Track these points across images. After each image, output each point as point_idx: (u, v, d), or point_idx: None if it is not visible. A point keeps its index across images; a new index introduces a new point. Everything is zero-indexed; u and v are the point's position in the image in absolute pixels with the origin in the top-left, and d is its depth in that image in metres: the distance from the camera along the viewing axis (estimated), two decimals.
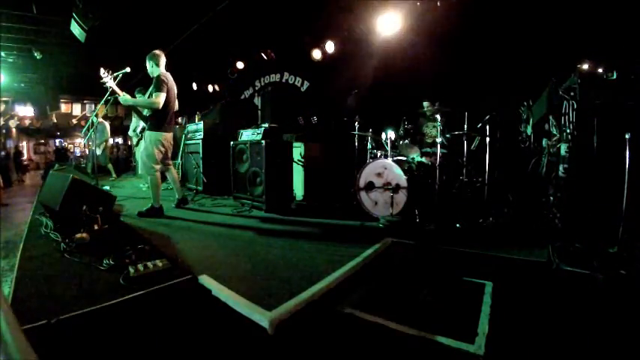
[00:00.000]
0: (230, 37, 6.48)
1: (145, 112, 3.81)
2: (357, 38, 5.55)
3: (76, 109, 15.36)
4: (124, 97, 3.64)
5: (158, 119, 3.66)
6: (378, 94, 5.24)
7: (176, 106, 3.96)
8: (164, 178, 4.09)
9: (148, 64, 3.74)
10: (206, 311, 1.68)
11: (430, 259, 2.51)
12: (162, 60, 3.75)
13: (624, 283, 1.90)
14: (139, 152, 5.60)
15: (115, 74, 3.89)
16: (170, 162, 4.00)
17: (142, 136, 5.51)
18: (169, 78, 3.71)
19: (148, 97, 3.68)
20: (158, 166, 3.73)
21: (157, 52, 3.76)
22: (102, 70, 3.64)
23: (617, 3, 3.45)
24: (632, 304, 1.74)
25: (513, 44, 4.10)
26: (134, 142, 5.79)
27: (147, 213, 3.66)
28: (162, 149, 3.74)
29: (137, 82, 5.64)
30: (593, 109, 2.72)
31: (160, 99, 3.52)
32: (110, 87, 3.66)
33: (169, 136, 3.81)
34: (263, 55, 6.77)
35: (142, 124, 5.47)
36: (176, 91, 3.86)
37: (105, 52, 6.66)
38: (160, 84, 3.55)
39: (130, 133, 5.79)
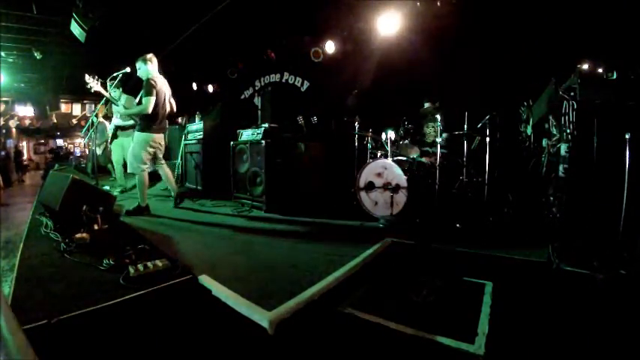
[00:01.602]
0: (230, 37, 6.48)
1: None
2: (357, 38, 5.55)
3: (76, 109, 15.36)
4: (118, 107, 3.71)
5: (147, 121, 3.71)
6: (378, 94, 5.24)
7: (171, 108, 3.97)
8: (159, 178, 4.13)
9: (139, 67, 3.77)
10: (206, 311, 1.68)
11: (430, 259, 2.51)
12: (154, 63, 3.80)
13: (624, 283, 1.90)
14: (118, 152, 5.51)
15: (116, 74, 3.90)
16: (162, 161, 4.01)
17: (115, 134, 5.43)
18: (159, 81, 3.74)
19: (139, 102, 3.74)
20: (145, 166, 3.76)
21: (148, 55, 3.79)
22: (87, 76, 3.70)
23: (617, 3, 3.45)
24: (632, 304, 1.74)
25: (513, 44, 4.10)
26: (109, 140, 5.72)
27: (134, 211, 3.71)
28: (151, 150, 3.78)
29: (137, 82, 5.63)
30: (593, 109, 2.72)
31: (149, 103, 3.58)
32: (98, 91, 3.73)
33: (159, 137, 3.84)
34: (263, 55, 6.77)
35: (113, 125, 5.39)
36: (168, 93, 3.89)
37: (105, 52, 6.65)
38: (149, 87, 3.61)
39: (108, 131, 5.71)
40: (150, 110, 3.59)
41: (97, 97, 4.10)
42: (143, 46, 6.40)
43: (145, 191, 3.80)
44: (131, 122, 5.23)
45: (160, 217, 3.67)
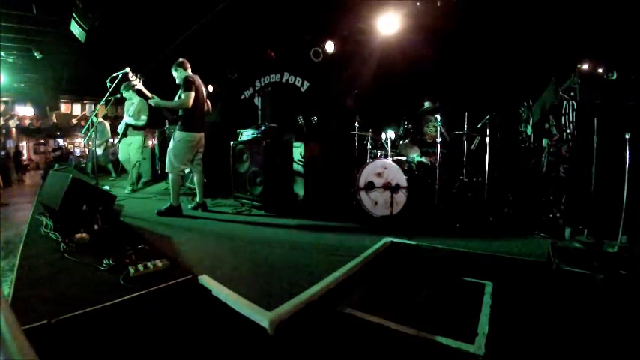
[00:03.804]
0: (230, 37, 6.48)
1: (179, 112, 3.79)
2: (357, 38, 5.54)
3: (76, 109, 15.35)
4: (154, 99, 3.67)
5: (187, 119, 3.67)
6: (378, 94, 5.24)
7: (207, 107, 3.95)
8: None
9: (176, 72, 3.75)
10: (206, 311, 1.68)
11: (430, 259, 2.51)
12: (187, 65, 3.78)
13: (624, 283, 1.90)
14: (125, 151, 5.54)
15: (115, 74, 3.90)
16: (200, 164, 3.95)
17: (125, 133, 5.46)
18: (196, 79, 3.72)
19: (178, 99, 3.68)
20: (183, 167, 3.73)
21: (181, 59, 3.79)
22: (130, 74, 3.66)
23: (617, 3, 3.45)
24: (632, 304, 1.74)
25: (513, 44, 4.10)
26: (117, 140, 5.77)
27: (166, 212, 3.67)
28: (193, 149, 3.75)
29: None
30: (593, 109, 2.72)
31: (189, 98, 3.54)
32: (139, 89, 3.70)
33: (200, 136, 3.81)
34: (263, 55, 6.77)
35: (124, 123, 5.43)
36: (205, 92, 3.86)
37: (105, 52, 6.65)
38: (187, 84, 3.58)
39: (119, 130, 5.76)
40: (190, 104, 3.55)
41: (97, 97, 4.09)
42: (143, 46, 6.42)
43: (179, 192, 3.74)
44: (142, 123, 5.33)
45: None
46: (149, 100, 3.74)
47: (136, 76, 3.67)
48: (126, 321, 1.54)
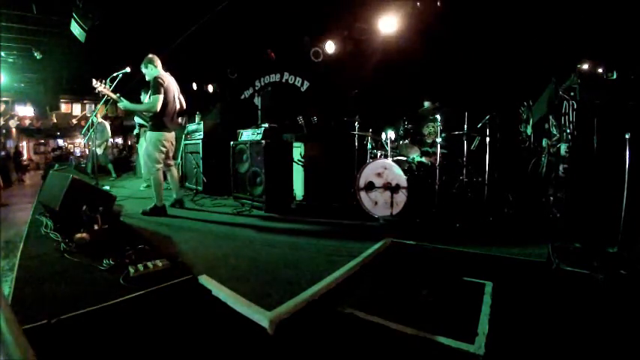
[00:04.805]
0: (230, 37, 6.48)
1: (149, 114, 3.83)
2: (357, 38, 5.55)
3: (76, 109, 15.37)
4: (123, 102, 3.68)
5: (158, 120, 3.69)
6: (378, 94, 5.24)
7: (180, 105, 3.94)
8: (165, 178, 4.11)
9: (145, 69, 3.73)
10: (206, 311, 1.68)
11: (430, 259, 2.51)
12: (157, 61, 3.76)
13: (624, 283, 1.90)
14: (141, 150, 5.70)
15: (115, 74, 3.90)
16: (172, 162, 4.00)
17: (139, 133, 5.65)
18: (167, 78, 3.71)
19: (147, 101, 3.69)
20: (159, 166, 3.74)
21: (151, 55, 3.76)
22: (94, 81, 3.68)
23: (617, 3, 3.45)
24: (632, 304, 1.74)
25: (513, 44, 4.10)
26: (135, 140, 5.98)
27: (150, 212, 3.69)
28: (164, 149, 3.77)
29: (137, 82, 5.65)
30: (593, 109, 2.72)
31: (157, 102, 3.55)
32: (106, 94, 3.71)
33: (170, 135, 3.82)
34: (263, 55, 6.77)
35: (137, 121, 5.63)
36: (177, 90, 3.86)
37: (105, 52, 6.66)
38: (156, 86, 3.59)
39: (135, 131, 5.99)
40: (158, 108, 3.57)
41: (97, 96, 4.09)
42: (143, 46, 6.41)
43: (162, 191, 3.78)
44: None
45: (163, 216, 3.68)
46: (118, 104, 3.76)
47: (100, 82, 3.69)
48: (126, 321, 1.54)
